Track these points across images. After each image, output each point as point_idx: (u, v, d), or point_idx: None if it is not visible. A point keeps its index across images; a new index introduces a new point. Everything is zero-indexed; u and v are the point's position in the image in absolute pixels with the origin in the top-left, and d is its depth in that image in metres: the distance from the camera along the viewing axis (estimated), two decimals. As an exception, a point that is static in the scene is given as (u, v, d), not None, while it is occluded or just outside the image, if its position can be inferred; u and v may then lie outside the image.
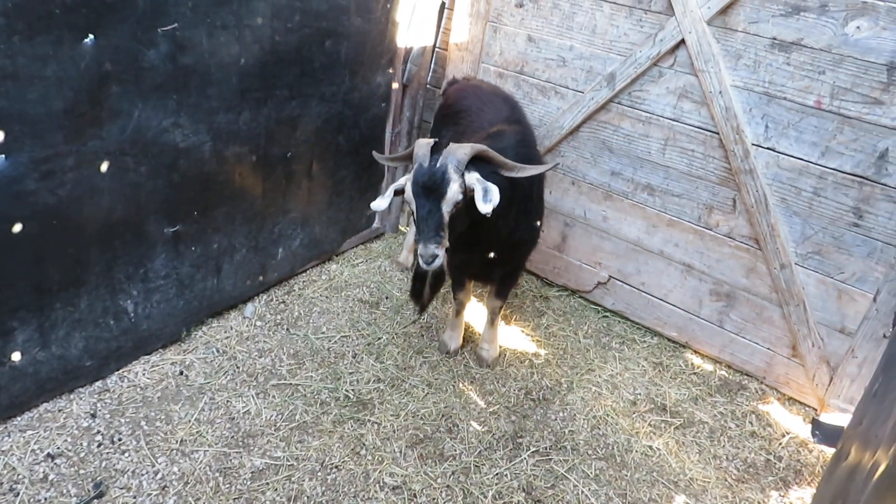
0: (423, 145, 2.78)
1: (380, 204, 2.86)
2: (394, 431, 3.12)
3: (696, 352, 4.02)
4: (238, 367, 3.37)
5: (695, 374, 3.85)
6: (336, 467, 2.89)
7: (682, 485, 3.07)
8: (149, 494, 2.65)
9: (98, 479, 2.68)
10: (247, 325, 3.69)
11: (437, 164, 2.66)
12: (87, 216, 2.84)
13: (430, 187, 2.64)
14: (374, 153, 3.41)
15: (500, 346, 3.77)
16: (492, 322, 3.62)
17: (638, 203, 3.96)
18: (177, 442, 2.90)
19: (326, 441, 3.01)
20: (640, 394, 3.62)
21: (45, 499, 2.56)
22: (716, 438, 3.38)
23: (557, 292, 4.45)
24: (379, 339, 3.74)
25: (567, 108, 4.02)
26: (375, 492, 2.80)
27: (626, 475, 3.09)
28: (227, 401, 3.16)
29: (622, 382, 3.69)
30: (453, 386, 3.47)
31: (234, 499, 2.68)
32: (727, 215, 3.66)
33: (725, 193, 3.63)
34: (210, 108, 3.18)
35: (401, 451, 3.02)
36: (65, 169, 2.69)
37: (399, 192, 2.86)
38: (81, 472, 2.70)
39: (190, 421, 3.01)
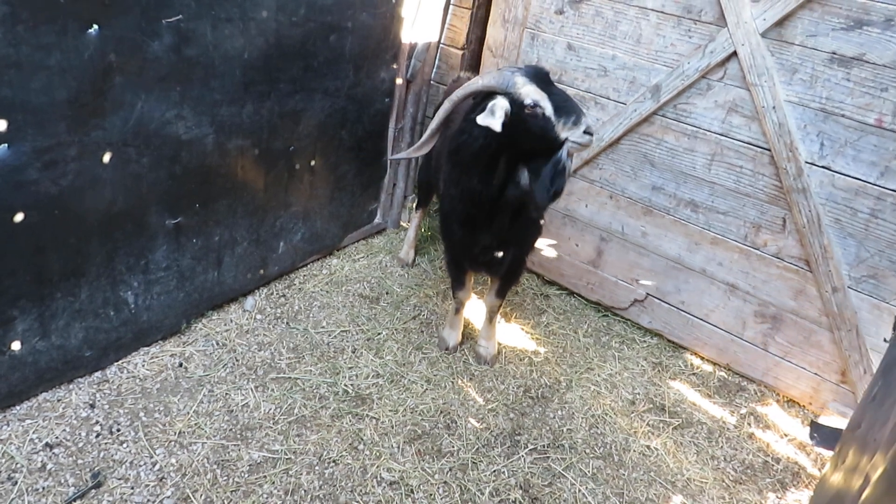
0: (490, 72, 2.85)
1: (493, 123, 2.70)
2: (392, 427, 3.12)
3: (699, 355, 4.01)
4: (237, 360, 3.38)
5: (694, 374, 3.85)
6: (334, 461, 2.89)
7: (679, 485, 3.08)
8: (146, 485, 2.65)
9: (96, 469, 2.68)
10: (247, 319, 3.69)
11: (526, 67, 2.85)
12: (89, 207, 2.83)
13: (549, 76, 2.84)
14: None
15: (500, 344, 3.77)
16: (490, 320, 3.60)
17: (680, 219, 3.86)
18: (175, 433, 2.90)
19: (325, 435, 3.01)
20: (638, 393, 3.62)
21: (43, 488, 2.57)
22: (714, 439, 3.38)
23: (558, 291, 4.44)
24: (379, 334, 3.74)
25: (607, 119, 3.94)
26: (373, 487, 2.80)
27: (624, 474, 3.09)
28: (226, 393, 3.16)
29: (621, 382, 3.69)
30: (452, 382, 3.47)
31: (232, 491, 2.68)
32: (776, 235, 3.57)
33: (775, 212, 3.54)
34: (213, 101, 3.18)
35: (399, 447, 3.02)
36: (67, 159, 2.69)
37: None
38: (80, 461, 2.70)
39: (188, 413, 3.02)
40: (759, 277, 3.70)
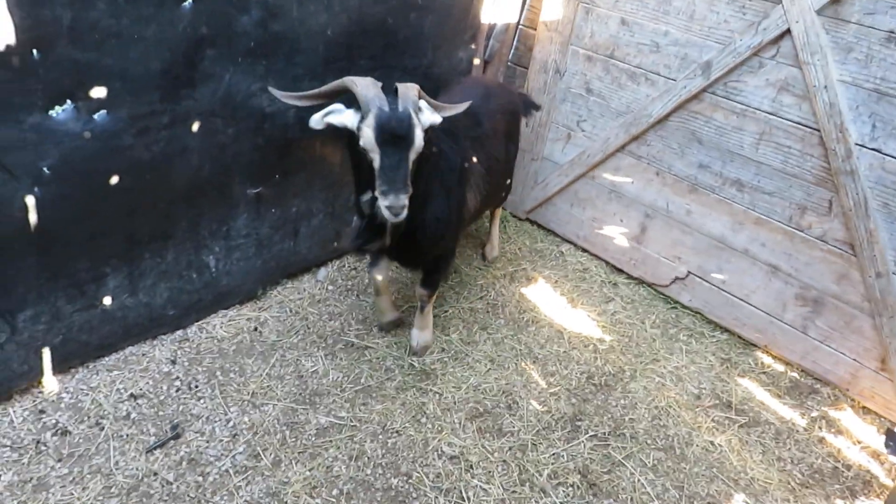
0: (371, 85, 2.53)
1: (314, 121, 2.60)
2: (454, 403, 3.17)
3: (771, 354, 3.90)
4: (309, 328, 3.49)
5: (764, 373, 3.75)
6: (397, 432, 2.97)
7: (742, 483, 3.02)
8: (220, 440, 2.79)
9: (175, 421, 2.84)
10: (319, 289, 3.80)
11: (401, 109, 2.47)
12: (177, 173, 2.98)
13: (400, 135, 2.44)
14: (271, 88, 2.87)
15: (563, 329, 3.76)
16: (421, 309, 3.40)
17: (725, 198, 3.81)
18: (249, 394, 3.03)
19: (389, 406, 3.09)
20: (704, 388, 3.55)
21: (127, 435, 2.74)
22: (781, 440, 3.30)
23: (626, 280, 4.38)
24: (445, 311, 3.79)
25: (657, 95, 3.90)
26: (433, 459, 2.86)
27: (685, 468, 3.05)
28: (297, 359, 3.28)
29: (687, 375, 3.63)
30: (515, 364, 3.49)
31: (299, 452, 2.80)
32: (821, 217, 3.48)
33: (821, 194, 3.44)
34: (296, 75, 3.26)
35: (460, 423, 3.07)
36: (159, 126, 2.83)
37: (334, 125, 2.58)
38: (160, 413, 2.87)
39: (262, 375, 3.15)
40: (801, 260, 3.62)
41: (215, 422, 2.88)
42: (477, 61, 4.37)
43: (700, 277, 4.08)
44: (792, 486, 3.05)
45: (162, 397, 2.95)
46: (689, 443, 3.19)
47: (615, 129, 4.14)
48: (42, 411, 2.79)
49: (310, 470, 2.73)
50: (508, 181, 4.08)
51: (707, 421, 3.33)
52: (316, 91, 2.72)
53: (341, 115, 2.55)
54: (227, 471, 2.67)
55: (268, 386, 3.10)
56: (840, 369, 3.64)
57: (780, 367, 3.80)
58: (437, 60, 4.03)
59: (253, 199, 3.36)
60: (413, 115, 2.48)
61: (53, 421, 2.76)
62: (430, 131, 2.62)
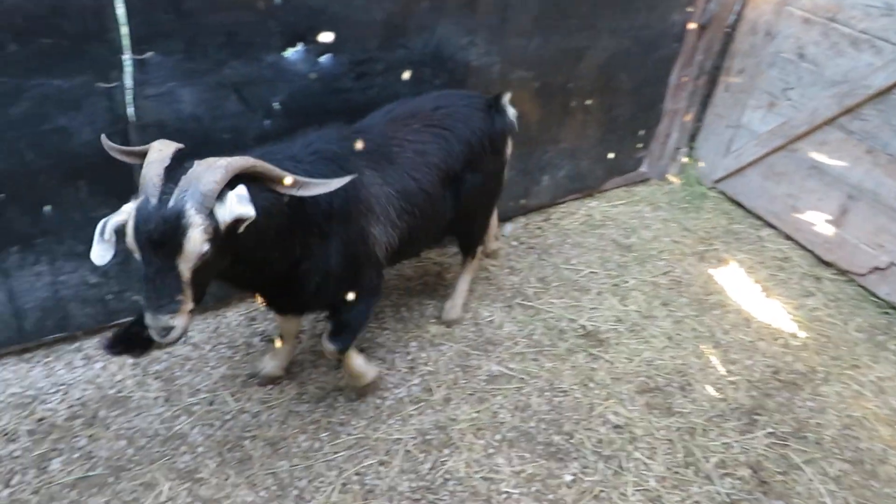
0: (156, 161, 1.87)
1: (98, 256, 1.90)
2: (625, 374, 3.13)
3: None
4: (489, 280, 3.60)
5: None
6: (563, 392, 3.00)
7: (943, 515, 2.70)
8: (399, 370, 3.01)
9: (362, 346, 3.08)
10: (503, 243, 3.89)
11: (170, 205, 1.78)
12: (388, 119, 3.16)
13: (159, 240, 1.78)
14: (103, 138, 2.11)
15: (751, 317, 3.55)
16: (338, 365, 2.79)
17: None
18: (429, 333, 3.22)
19: (558, 366, 3.13)
20: (912, 405, 3.18)
21: (320, 352, 3.04)
22: None
23: (833, 274, 3.99)
24: (626, 282, 3.71)
25: (881, 64, 3.46)
26: (598, 425, 2.87)
27: (875, 487, 2.78)
28: (476, 308, 3.40)
29: (891, 388, 3.26)
30: (695, 345, 3.35)
31: (469, 394, 2.93)
32: None
33: None
34: (504, 31, 3.31)
35: (628, 395, 3.03)
36: (374, 73, 3.02)
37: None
38: (349, 338, 3.15)
39: (440, 317, 3.32)
40: None
41: (396, 353, 3.10)
42: (692, 25, 4.12)
43: (905, 270, 3.64)
44: None
45: (351, 324, 3.23)
46: (883, 461, 2.89)
47: (826, 100, 3.74)
48: (253, 319, 3.17)
49: (476, 412, 2.85)
50: (481, 219, 3.17)
51: (909, 441, 3.00)
52: (136, 149, 2.05)
53: (119, 214, 1.87)
54: (402, 398, 2.88)
55: (445, 328, 3.26)
56: None
57: None
58: (649, 22, 3.87)
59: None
60: (186, 214, 1.77)
61: (262, 329, 3.12)
62: (240, 222, 1.87)
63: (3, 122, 2.36)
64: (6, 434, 2.58)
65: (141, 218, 1.78)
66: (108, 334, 2.39)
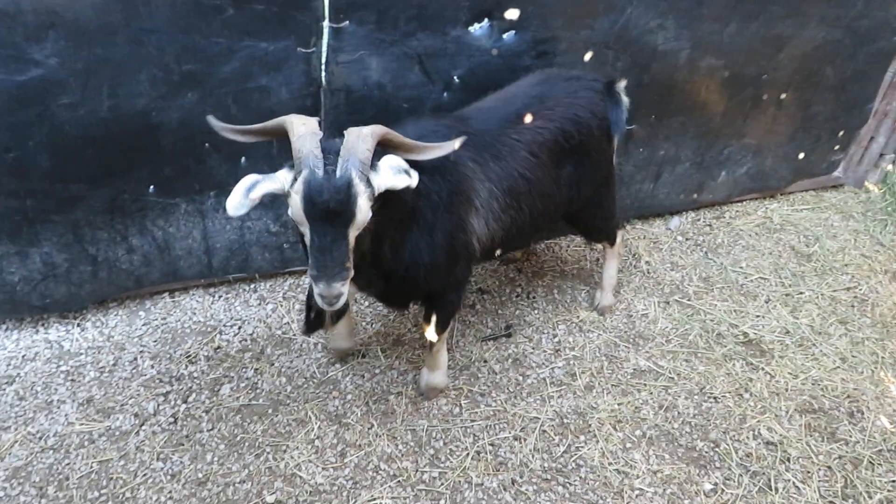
0: (310, 135, 1.90)
1: (233, 208, 1.92)
2: (786, 390, 2.92)
3: None
4: (649, 273, 3.49)
5: None
6: (714, 398, 2.86)
7: None
8: (544, 351, 3.02)
9: (510, 322, 3.15)
10: (667, 237, 3.75)
11: (339, 175, 1.85)
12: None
13: (334, 210, 1.85)
14: (210, 118, 2.10)
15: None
16: (430, 347, 2.74)
17: None
18: (578, 318, 3.20)
19: (712, 371, 2.98)
20: None
21: (471, 322, 3.14)
22: None
23: None
24: (800, 293, 3.43)
25: None
26: (747, 437, 2.71)
27: None
28: (631, 300, 3.32)
29: None
30: (872, 371, 3.04)
31: (613, 385, 2.89)
32: None
33: None
34: (698, 15, 3.14)
35: (787, 412, 2.83)
36: (556, 52, 3.00)
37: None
38: (500, 312, 3.21)
39: (590, 306, 3.28)
40: None
41: (543, 333, 3.11)
42: (923, 18, 3.66)
43: None
44: None
45: (503, 298, 3.28)
46: None
47: None
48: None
49: (618, 404, 2.80)
50: (604, 205, 3.00)
51: None
52: (254, 126, 2.06)
53: (272, 181, 1.94)
54: (544, 379, 2.89)
55: (596, 316, 3.22)
56: None
57: None
58: (867, 11, 3.49)
59: (623, 136, 3.39)
60: (354, 183, 1.85)
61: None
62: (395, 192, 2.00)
63: (216, 80, 2.65)
64: (189, 356, 2.93)
65: (314, 190, 1.83)
66: (303, 324, 2.71)
